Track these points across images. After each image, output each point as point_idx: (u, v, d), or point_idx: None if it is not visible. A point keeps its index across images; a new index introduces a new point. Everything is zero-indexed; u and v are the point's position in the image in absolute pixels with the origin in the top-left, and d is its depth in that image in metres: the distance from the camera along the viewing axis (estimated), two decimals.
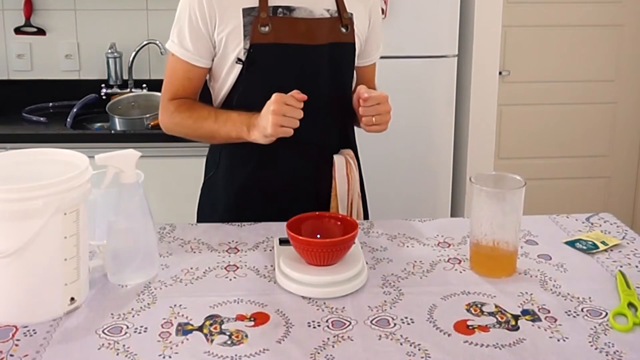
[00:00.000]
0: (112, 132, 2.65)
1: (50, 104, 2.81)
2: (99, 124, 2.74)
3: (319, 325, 1.08)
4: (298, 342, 1.04)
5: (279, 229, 1.41)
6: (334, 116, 1.57)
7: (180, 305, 1.14)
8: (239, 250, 1.37)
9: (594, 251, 1.36)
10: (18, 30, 2.82)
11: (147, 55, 2.89)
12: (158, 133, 2.48)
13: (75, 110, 2.67)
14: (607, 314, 1.12)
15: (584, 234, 1.44)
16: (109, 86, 2.84)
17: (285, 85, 1.42)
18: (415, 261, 1.32)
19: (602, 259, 1.33)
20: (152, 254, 1.26)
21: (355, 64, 1.63)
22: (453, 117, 2.81)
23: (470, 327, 1.08)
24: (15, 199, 1.04)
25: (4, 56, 2.86)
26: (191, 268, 1.29)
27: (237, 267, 1.29)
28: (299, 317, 1.11)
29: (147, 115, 2.63)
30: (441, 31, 2.72)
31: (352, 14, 1.56)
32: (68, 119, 2.63)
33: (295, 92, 1.39)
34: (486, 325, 1.09)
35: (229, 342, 1.04)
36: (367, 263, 1.29)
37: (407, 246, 1.39)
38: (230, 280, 1.24)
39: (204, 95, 1.60)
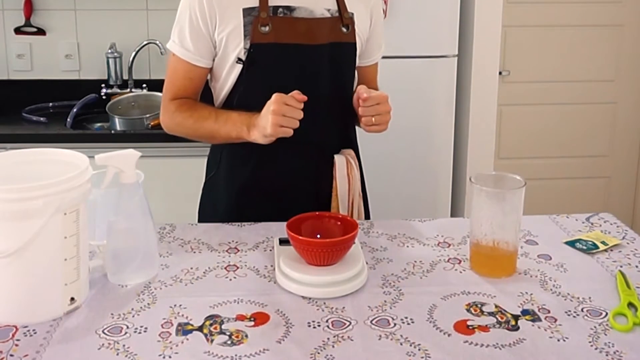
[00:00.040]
0: (112, 132, 2.65)
1: (50, 104, 2.81)
2: (99, 124, 2.74)
3: (319, 325, 1.08)
4: (298, 342, 1.04)
5: (279, 229, 1.41)
6: (335, 116, 1.57)
7: (180, 305, 1.14)
8: (239, 250, 1.37)
9: (594, 251, 1.36)
10: (18, 30, 2.82)
11: (147, 55, 2.89)
12: (158, 133, 2.49)
13: (75, 110, 2.67)
14: (607, 314, 1.12)
15: (584, 234, 1.44)
16: (109, 86, 2.84)
17: (286, 85, 1.42)
18: (415, 261, 1.32)
19: (602, 259, 1.33)
20: (152, 254, 1.26)
21: (357, 64, 1.63)
22: (453, 117, 2.81)
23: (470, 327, 1.08)
24: (15, 199, 1.04)
25: (4, 56, 2.86)
26: (191, 268, 1.29)
27: (237, 267, 1.29)
28: (299, 317, 1.11)
29: (147, 115, 2.63)
30: (441, 31, 2.72)
31: (352, 14, 1.56)
32: (68, 119, 2.63)
33: (295, 93, 1.39)
34: (486, 325, 1.09)
35: (229, 342, 1.04)
36: (367, 263, 1.29)
37: (407, 246, 1.39)
38: (230, 280, 1.24)
39: (206, 95, 1.60)
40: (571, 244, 1.39)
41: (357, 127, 1.66)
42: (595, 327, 1.09)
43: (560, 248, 1.38)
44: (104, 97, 2.81)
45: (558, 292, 1.20)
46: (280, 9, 1.49)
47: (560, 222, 1.52)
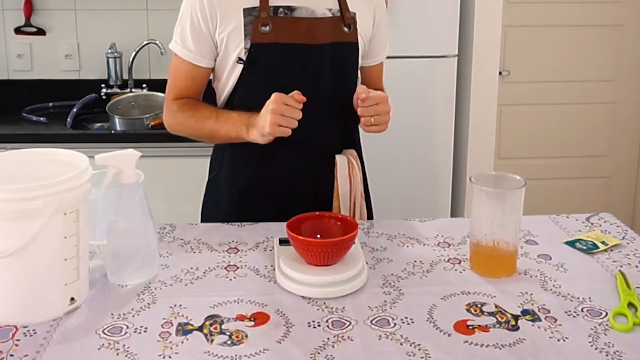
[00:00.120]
0: (112, 132, 2.65)
1: (50, 104, 2.81)
2: (99, 124, 2.74)
3: (319, 325, 1.08)
4: (298, 342, 1.04)
5: (279, 229, 1.41)
6: (336, 116, 1.57)
7: (180, 305, 1.14)
8: (239, 250, 1.37)
9: (594, 251, 1.36)
10: (18, 30, 2.82)
11: (147, 55, 2.89)
12: (158, 133, 2.49)
13: (75, 110, 2.67)
14: (607, 314, 1.12)
15: (584, 234, 1.44)
16: (109, 86, 2.84)
17: (286, 85, 1.42)
18: (415, 261, 1.32)
19: (602, 259, 1.33)
20: (152, 254, 1.26)
21: (361, 64, 1.63)
22: (453, 117, 2.81)
23: (470, 327, 1.08)
24: (15, 199, 1.04)
25: (4, 56, 2.86)
26: (191, 268, 1.29)
27: (237, 267, 1.29)
28: (299, 317, 1.11)
29: (147, 115, 2.63)
30: (441, 31, 2.72)
31: (354, 13, 1.56)
32: (68, 119, 2.63)
33: (295, 93, 1.39)
34: (486, 325, 1.09)
35: (229, 342, 1.04)
36: (367, 263, 1.29)
37: (407, 246, 1.39)
38: (230, 280, 1.24)
39: (209, 95, 1.61)
40: (571, 244, 1.39)
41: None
42: (595, 327, 1.09)
43: (560, 248, 1.38)
44: (104, 97, 2.81)
45: (558, 292, 1.20)
46: (281, 9, 1.49)
47: (560, 222, 1.52)
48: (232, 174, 1.59)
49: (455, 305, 1.15)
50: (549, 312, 1.13)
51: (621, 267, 1.29)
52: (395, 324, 1.09)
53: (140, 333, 1.06)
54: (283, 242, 1.31)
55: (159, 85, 2.75)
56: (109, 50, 2.82)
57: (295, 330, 1.07)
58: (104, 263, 1.24)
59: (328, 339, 1.05)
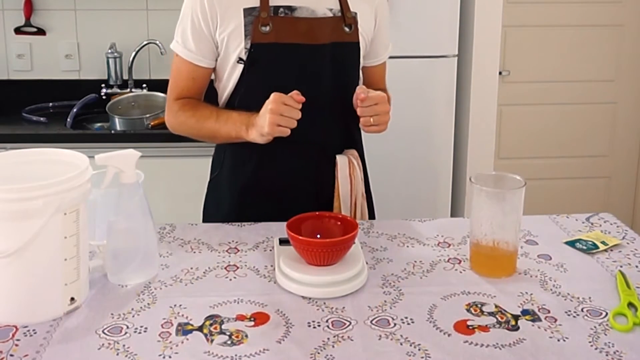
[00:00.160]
0: (112, 132, 2.65)
1: (50, 104, 2.81)
2: (99, 124, 2.74)
3: (319, 325, 1.08)
4: (298, 342, 1.04)
5: (279, 229, 1.41)
6: (337, 116, 1.57)
7: (180, 305, 1.14)
8: (239, 250, 1.37)
9: (594, 251, 1.36)
10: (18, 30, 2.82)
11: (147, 55, 2.89)
12: (158, 133, 2.49)
13: (75, 110, 2.67)
14: (607, 314, 1.12)
15: (584, 234, 1.44)
16: (109, 86, 2.84)
17: (287, 85, 1.42)
18: (415, 261, 1.32)
19: (602, 259, 1.33)
20: (152, 254, 1.26)
21: (363, 64, 1.63)
22: (453, 117, 2.81)
23: (470, 327, 1.08)
24: (15, 199, 1.04)
25: (4, 56, 2.86)
26: (191, 268, 1.29)
27: (237, 267, 1.29)
28: (299, 317, 1.11)
29: (147, 115, 2.63)
30: (441, 31, 2.72)
31: (356, 13, 1.56)
32: (68, 119, 2.63)
33: (294, 93, 1.39)
34: (486, 325, 1.09)
35: (229, 342, 1.04)
36: (367, 263, 1.29)
37: (407, 246, 1.39)
38: (230, 280, 1.24)
39: (211, 95, 1.61)
40: (571, 244, 1.39)
41: None
42: (595, 327, 1.09)
43: (560, 248, 1.38)
44: (104, 97, 2.81)
45: (558, 292, 1.20)
46: (281, 9, 1.49)
47: (560, 222, 1.52)
48: (233, 174, 1.60)
49: (455, 305, 1.15)
50: (549, 312, 1.13)
51: (621, 267, 1.29)
52: (395, 324, 1.09)
53: (140, 333, 1.06)
54: (283, 242, 1.31)
55: (159, 85, 2.76)
56: (109, 50, 2.82)
57: (295, 330, 1.07)
58: (104, 263, 1.24)
59: (328, 339, 1.05)
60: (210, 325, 1.08)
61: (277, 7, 1.49)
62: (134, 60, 2.84)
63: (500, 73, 2.97)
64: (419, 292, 1.20)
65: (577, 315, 1.12)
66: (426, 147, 2.77)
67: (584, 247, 1.37)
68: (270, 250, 1.36)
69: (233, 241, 1.41)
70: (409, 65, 2.68)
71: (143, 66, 2.90)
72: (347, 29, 1.55)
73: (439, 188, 2.82)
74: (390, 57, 1.73)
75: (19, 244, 1.05)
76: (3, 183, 1.08)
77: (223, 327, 1.08)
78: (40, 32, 2.83)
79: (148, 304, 1.15)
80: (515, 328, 1.08)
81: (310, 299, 1.17)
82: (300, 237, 1.21)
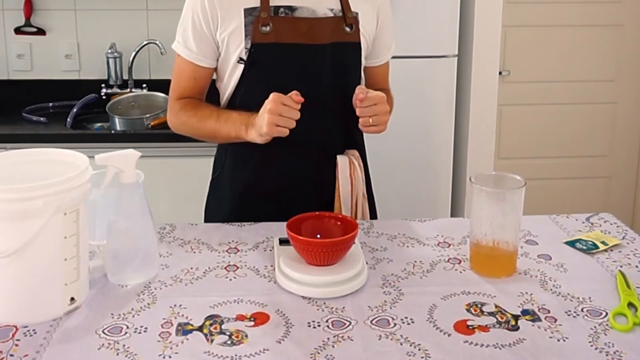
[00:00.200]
0: (112, 132, 2.65)
1: (50, 104, 2.81)
2: (99, 124, 2.74)
3: (319, 325, 1.08)
4: (298, 342, 1.04)
5: (279, 229, 1.41)
6: (337, 116, 1.56)
7: (180, 305, 1.14)
8: (239, 250, 1.37)
9: (594, 251, 1.36)
10: (18, 30, 2.82)
11: (147, 55, 2.89)
12: (158, 133, 2.49)
13: (75, 110, 2.67)
14: (607, 314, 1.12)
15: (584, 234, 1.44)
16: (109, 86, 2.84)
17: (287, 85, 1.42)
18: (415, 261, 1.32)
19: (602, 259, 1.33)
20: (152, 254, 1.26)
21: (366, 64, 1.63)
22: (453, 117, 2.81)
23: (470, 327, 1.08)
24: (15, 199, 1.04)
25: (4, 56, 2.86)
26: (191, 268, 1.29)
27: (237, 267, 1.29)
28: (299, 317, 1.11)
29: (147, 115, 2.63)
30: (441, 31, 2.72)
31: (357, 13, 1.55)
32: (68, 119, 2.63)
33: (293, 94, 1.39)
34: (486, 325, 1.09)
35: (229, 342, 1.04)
36: (367, 263, 1.29)
37: (407, 246, 1.39)
38: (230, 280, 1.24)
39: (213, 95, 1.61)
40: (571, 244, 1.39)
41: None
42: (595, 327, 1.09)
43: (560, 248, 1.38)
44: (104, 97, 2.81)
45: (558, 292, 1.20)
46: (282, 9, 1.49)
47: (560, 222, 1.52)
48: (234, 174, 1.60)
49: (455, 305, 1.15)
50: (549, 312, 1.13)
51: (621, 267, 1.29)
52: (395, 324, 1.09)
53: (140, 333, 1.06)
54: (283, 242, 1.31)
55: (159, 85, 2.76)
56: (109, 50, 2.82)
57: (295, 330, 1.07)
58: (104, 263, 1.24)
59: (328, 339, 1.05)
60: (210, 325, 1.08)
61: (277, 7, 1.49)
62: (134, 60, 2.83)
63: (500, 73, 2.97)
64: (419, 292, 1.20)
65: (577, 315, 1.12)
66: (426, 147, 2.77)
67: (584, 247, 1.37)
68: (270, 250, 1.36)
69: (233, 241, 1.41)
70: (409, 65, 2.68)
71: (143, 66, 2.90)
72: (348, 29, 1.54)
73: (439, 188, 2.82)
74: (391, 57, 1.73)
75: (19, 244, 1.05)
76: (3, 183, 1.08)
77: (223, 327, 1.08)
78: (40, 32, 2.83)
79: (148, 304, 1.15)
80: (515, 328, 1.08)
81: (310, 299, 1.17)
82: (300, 237, 1.21)
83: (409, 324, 1.09)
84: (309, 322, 1.09)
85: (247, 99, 1.52)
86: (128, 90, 2.84)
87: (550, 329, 1.08)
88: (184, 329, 1.07)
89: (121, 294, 1.19)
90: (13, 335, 1.05)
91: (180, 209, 2.36)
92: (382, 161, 2.65)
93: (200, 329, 1.07)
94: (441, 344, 1.03)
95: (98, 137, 2.54)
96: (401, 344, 1.04)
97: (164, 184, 2.46)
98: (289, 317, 1.11)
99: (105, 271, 1.24)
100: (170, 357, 1.00)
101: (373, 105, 1.44)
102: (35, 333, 1.06)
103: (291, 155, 1.53)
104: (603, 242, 1.39)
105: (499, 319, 1.11)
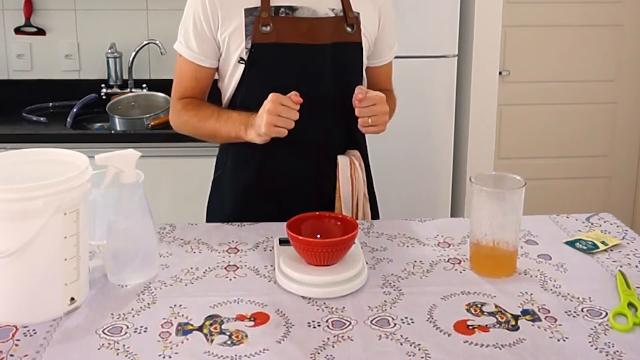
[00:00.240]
0: (112, 132, 2.65)
1: (50, 104, 2.81)
2: (99, 124, 2.74)
3: (319, 325, 1.08)
4: (298, 342, 1.04)
5: (279, 229, 1.41)
6: (338, 116, 1.56)
7: (180, 305, 1.14)
8: (239, 250, 1.37)
9: (594, 251, 1.36)
10: (18, 30, 2.82)
11: (147, 55, 2.89)
12: (158, 133, 2.49)
13: (75, 110, 2.67)
14: (607, 314, 1.12)
15: (584, 234, 1.44)
16: (109, 86, 2.84)
17: (288, 85, 1.42)
18: (415, 261, 1.32)
19: (602, 259, 1.33)
20: (152, 254, 1.26)
21: (368, 65, 1.63)
22: (453, 117, 2.81)
23: (470, 327, 1.08)
24: (15, 199, 1.04)
25: (4, 56, 2.86)
26: (191, 268, 1.29)
27: (237, 267, 1.29)
28: (299, 317, 1.11)
29: (147, 115, 2.63)
30: (441, 31, 2.72)
31: (358, 13, 1.55)
32: (68, 119, 2.63)
33: (292, 94, 1.39)
34: (486, 325, 1.09)
35: (229, 342, 1.04)
36: (367, 263, 1.29)
37: (407, 246, 1.39)
38: (230, 280, 1.24)
39: (215, 95, 1.61)
40: (571, 244, 1.39)
41: None
42: (595, 327, 1.09)
43: (560, 248, 1.38)
44: (104, 97, 2.81)
45: (558, 292, 1.20)
46: (282, 9, 1.49)
47: (560, 222, 1.52)
48: (235, 174, 1.60)
49: (455, 305, 1.15)
50: (549, 312, 1.13)
51: (621, 267, 1.29)
52: (395, 324, 1.09)
53: (140, 333, 1.06)
54: (283, 242, 1.31)
55: (159, 85, 2.76)
56: (109, 50, 2.82)
57: (295, 330, 1.07)
58: (104, 263, 1.24)
59: (328, 339, 1.05)
60: (210, 325, 1.08)
61: (278, 7, 1.49)
62: (134, 60, 2.83)
63: (500, 73, 2.97)
64: (419, 292, 1.20)
65: (577, 315, 1.12)
66: (426, 147, 2.77)
67: (584, 247, 1.37)
68: (270, 250, 1.36)
69: (233, 241, 1.41)
70: (409, 65, 2.68)
71: (143, 66, 2.90)
72: (349, 29, 1.54)
73: (439, 188, 2.82)
74: (394, 57, 1.73)
75: (19, 244, 1.05)
76: (3, 183, 1.08)
77: (223, 327, 1.08)
78: (40, 32, 2.83)
79: (148, 304, 1.15)
80: (515, 328, 1.08)
81: (310, 299, 1.17)
82: (300, 237, 1.21)
83: (409, 324, 1.09)
84: (309, 322, 1.09)
85: (248, 99, 1.52)
86: (128, 90, 2.84)
87: (550, 329, 1.08)
88: (184, 329, 1.07)
89: (121, 294, 1.19)
90: (13, 335, 1.05)
91: (180, 209, 2.36)
92: (382, 161, 2.65)
93: (200, 329, 1.07)
94: (441, 344, 1.03)
95: (98, 137, 2.54)
96: (401, 344, 1.04)
97: (164, 184, 2.46)
98: (289, 317, 1.11)
99: (105, 271, 1.24)
100: (170, 357, 1.00)
101: (372, 105, 1.44)
102: (35, 333, 1.06)
103: (292, 155, 1.54)
104: (603, 242, 1.39)
105: (499, 319, 1.11)
